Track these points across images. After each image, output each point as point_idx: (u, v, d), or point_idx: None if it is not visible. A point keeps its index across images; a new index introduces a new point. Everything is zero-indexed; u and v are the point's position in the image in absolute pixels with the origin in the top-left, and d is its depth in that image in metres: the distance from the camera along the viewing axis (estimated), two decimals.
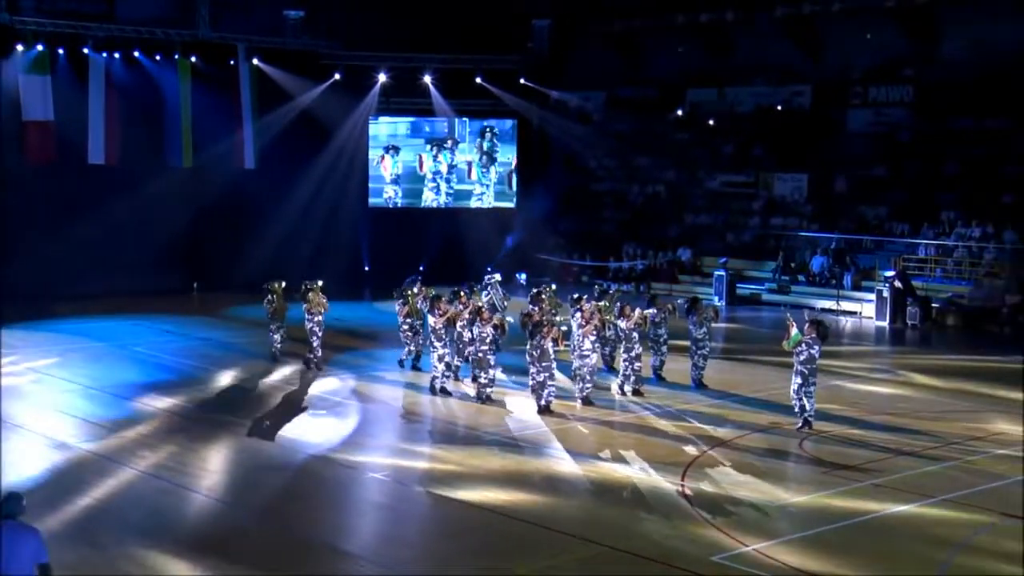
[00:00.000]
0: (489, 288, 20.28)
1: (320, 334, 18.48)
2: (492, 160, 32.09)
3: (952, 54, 30.14)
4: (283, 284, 19.31)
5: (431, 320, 17.06)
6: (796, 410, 14.76)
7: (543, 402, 15.59)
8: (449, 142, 31.76)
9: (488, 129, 31.86)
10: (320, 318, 18.46)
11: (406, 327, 18.27)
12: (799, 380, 14.62)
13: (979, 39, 29.26)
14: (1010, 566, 10.02)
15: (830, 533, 10.66)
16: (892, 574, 9.71)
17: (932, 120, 29.77)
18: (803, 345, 14.63)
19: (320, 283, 18.74)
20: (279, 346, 19.17)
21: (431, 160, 31.75)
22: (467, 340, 17.20)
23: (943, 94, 29.62)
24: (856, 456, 13.42)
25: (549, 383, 15.62)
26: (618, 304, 17.92)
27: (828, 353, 20.21)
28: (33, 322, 22.08)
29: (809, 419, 14.69)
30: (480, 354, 16.33)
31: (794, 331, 14.76)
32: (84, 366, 18.62)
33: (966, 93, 29.15)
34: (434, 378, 16.87)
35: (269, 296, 19.16)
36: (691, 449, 13.72)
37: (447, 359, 16.92)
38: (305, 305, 18.47)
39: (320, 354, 18.49)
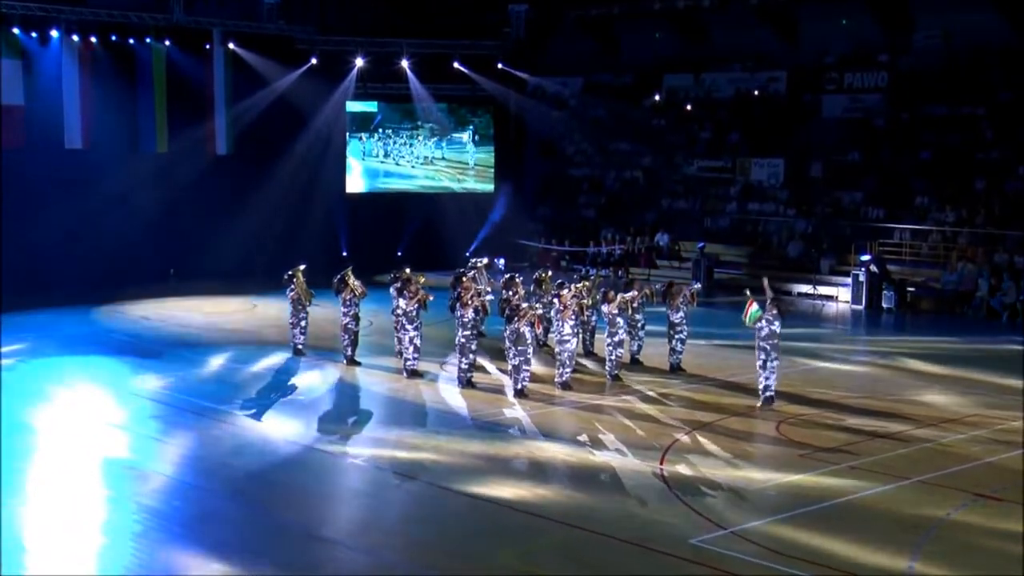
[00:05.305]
0: (474, 272, 20.26)
1: (356, 329, 17.58)
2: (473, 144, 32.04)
3: (926, 41, 30.31)
4: (303, 267, 18.37)
5: (402, 303, 16.96)
6: (760, 388, 14.88)
7: (518, 386, 15.58)
8: (430, 127, 31.61)
9: (478, 114, 31.74)
10: (356, 310, 17.53)
11: (399, 312, 17.89)
12: (762, 356, 14.81)
13: (952, 26, 29.48)
14: (984, 542, 10.15)
15: (807, 515, 10.67)
16: (869, 554, 9.75)
17: (906, 106, 29.92)
18: (763, 322, 14.78)
19: (350, 268, 18.01)
20: (302, 339, 18.31)
21: (408, 145, 31.59)
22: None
23: (917, 81, 29.80)
24: (832, 438, 13.48)
25: (524, 367, 15.60)
26: (602, 289, 17.91)
27: (805, 336, 20.52)
28: (3, 310, 21.77)
29: (771, 396, 14.83)
30: (462, 339, 16.24)
31: (754, 307, 14.89)
32: (58, 353, 18.43)
33: (940, 80, 29.36)
34: (406, 360, 16.83)
35: (291, 284, 18.10)
36: (669, 433, 13.73)
37: (417, 341, 16.81)
38: (342, 296, 17.47)
39: (350, 353, 17.63)
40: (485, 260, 21.53)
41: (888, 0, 30.46)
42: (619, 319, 16.90)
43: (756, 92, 32.83)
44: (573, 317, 16.48)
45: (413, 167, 31.82)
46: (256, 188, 28.12)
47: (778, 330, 14.79)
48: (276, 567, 9.40)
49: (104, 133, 26.22)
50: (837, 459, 12.52)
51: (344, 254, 28.65)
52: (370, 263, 23.67)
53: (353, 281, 17.75)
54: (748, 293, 15.39)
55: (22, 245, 24.66)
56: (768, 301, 14.91)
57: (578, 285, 17.76)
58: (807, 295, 27.01)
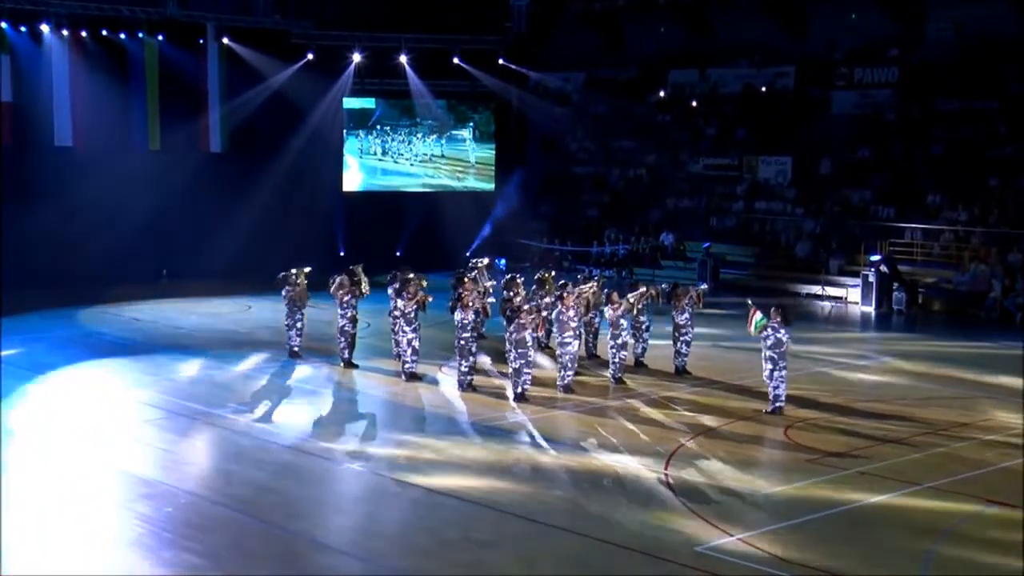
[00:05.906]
0: (475, 273, 19.90)
1: (353, 332, 17.26)
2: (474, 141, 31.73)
3: (937, 35, 30.07)
4: (308, 270, 18.10)
5: (400, 304, 16.70)
6: (770, 398, 14.73)
7: (519, 389, 15.37)
8: (430, 124, 31.29)
9: (478, 110, 31.45)
10: (354, 312, 17.20)
11: (397, 314, 17.39)
12: (769, 366, 14.63)
13: (964, 19, 29.17)
14: (995, 554, 9.91)
15: (815, 522, 10.52)
16: (877, 563, 9.55)
17: (918, 101, 29.58)
18: (769, 330, 14.62)
19: (362, 265, 17.75)
20: (297, 341, 18.01)
21: (406, 142, 31.26)
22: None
23: (929, 75, 29.53)
24: (841, 443, 13.29)
25: (526, 370, 15.39)
26: (605, 291, 17.69)
27: (813, 339, 20.40)
28: None
29: (780, 406, 14.64)
30: (462, 341, 15.95)
31: (758, 316, 14.75)
32: (49, 356, 18.15)
33: (952, 74, 29.12)
34: (404, 363, 16.60)
35: (286, 285, 17.86)
36: (674, 437, 13.53)
37: (415, 343, 16.52)
38: (339, 297, 17.16)
39: (347, 355, 17.34)
40: (486, 260, 21.39)
41: None
42: (623, 321, 16.67)
43: (763, 88, 32.61)
44: (576, 319, 16.24)
45: (412, 165, 31.53)
46: (251, 186, 27.82)
47: (784, 338, 14.63)
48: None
49: (95, 130, 25.99)
50: (846, 464, 12.38)
51: (342, 254, 28.34)
52: (368, 263, 23.23)
53: (363, 278, 17.46)
54: (751, 302, 15.25)
55: (10, 245, 24.30)
56: (772, 309, 14.73)
57: (582, 287, 17.49)
58: (816, 296, 26.66)
